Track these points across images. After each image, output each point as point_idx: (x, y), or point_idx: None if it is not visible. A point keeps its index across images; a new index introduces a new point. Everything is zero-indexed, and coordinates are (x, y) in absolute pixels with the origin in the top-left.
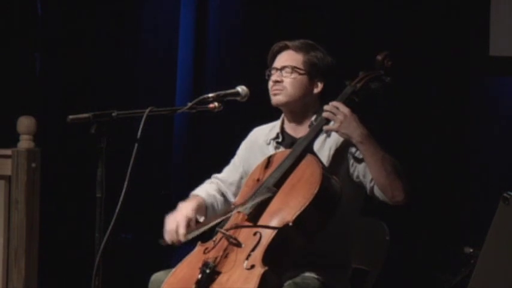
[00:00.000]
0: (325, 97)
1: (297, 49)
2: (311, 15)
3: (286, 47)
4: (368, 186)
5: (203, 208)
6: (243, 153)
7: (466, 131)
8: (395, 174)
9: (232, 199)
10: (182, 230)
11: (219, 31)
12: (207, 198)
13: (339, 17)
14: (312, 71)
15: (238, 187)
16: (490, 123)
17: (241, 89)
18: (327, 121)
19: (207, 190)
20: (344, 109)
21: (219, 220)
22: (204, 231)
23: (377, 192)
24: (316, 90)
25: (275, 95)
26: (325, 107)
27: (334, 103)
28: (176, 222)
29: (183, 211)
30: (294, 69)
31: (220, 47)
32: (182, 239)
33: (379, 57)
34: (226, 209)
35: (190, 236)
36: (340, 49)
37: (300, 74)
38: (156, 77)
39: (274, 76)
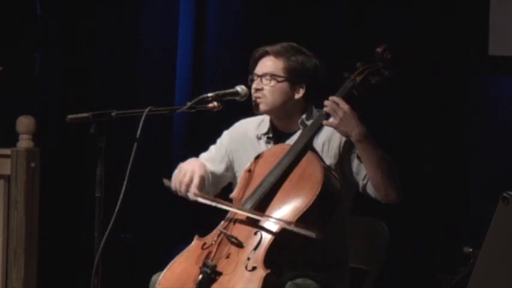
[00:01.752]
0: (312, 99)
1: (278, 55)
2: (310, 13)
3: (266, 53)
4: (361, 183)
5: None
6: (228, 143)
7: (466, 131)
8: (391, 174)
9: (210, 187)
10: (195, 189)
11: (219, 31)
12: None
13: (339, 17)
14: (292, 77)
15: (221, 177)
16: (490, 123)
17: (240, 88)
18: (327, 116)
19: None
20: (344, 106)
21: (228, 208)
22: (209, 204)
23: (370, 189)
24: (297, 96)
25: (256, 104)
26: (326, 103)
27: (335, 98)
28: (191, 177)
29: (200, 169)
30: (273, 76)
31: (220, 46)
32: (192, 197)
33: (378, 50)
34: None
35: (198, 199)
36: (339, 49)
37: (279, 81)
38: (156, 77)
39: (255, 84)
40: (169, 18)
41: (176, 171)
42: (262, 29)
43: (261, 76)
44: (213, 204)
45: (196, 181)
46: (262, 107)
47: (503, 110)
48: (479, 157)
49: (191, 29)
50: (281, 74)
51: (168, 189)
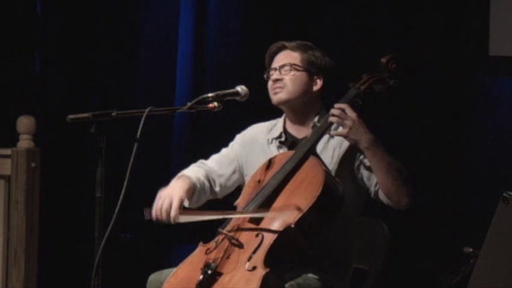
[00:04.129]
0: (327, 97)
1: (295, 48)
2: (312, 14)
3: (283, 47)
4: (372, 189)
5: (191, 192)
6: (239, 147)
7: (466, 131)
8: (401, 180)
9: (218, 189)
10: (174, 213)
11: (219, 31)
12: (196, 182)
13: (339, 17)
14: (310, 68)
15: (228, 180)
16: (490, 123)
17: (240, 88)
18: (331, 124)
19: (196, 174)
20: (352, 114)
21: (214, 217)
22: (193, 221)
23: (381, 196)
24: (315, 88)
25: (276, 93)
26: (332, 111)
27: (342, 106)
28: (170, 202)
29: (178, 192)
30: (292, 66)
31: (220, 46)
32: (172, 221)
33: (383, 60)
34: (225, 209)
35: (181, 221)
36: (340, 50)
37: (298, 70)
38: (156, 77)
39: (274, 75)
40: (169, 18)
41: (155, 200)
42: (262, 28)
43: (279, 68)
44: (197, 219)
45: (175, 204)
46: (282, 95)
47: (503, 110)
48: (479, 157)
49: (191, 28)
50: (300, 64)
51: (150, 220)
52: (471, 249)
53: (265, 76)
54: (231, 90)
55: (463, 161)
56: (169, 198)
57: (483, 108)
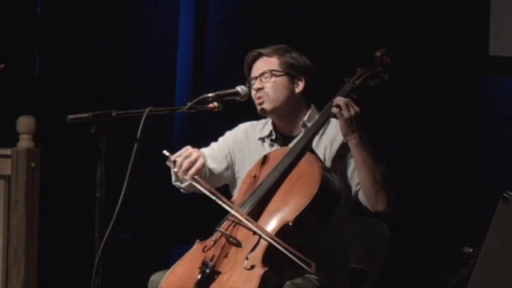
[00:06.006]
0: (311, 96)
1: (271, 54)
2: (311, 14)
3: (260, 55)
4: (354, 189)
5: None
6: (231, 145)
7: (466, 131)
8: (382, 183)
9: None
10: (194, 170)
11: (219, 30)
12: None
13: (339, 17)
14: (289, 71)
15: (219, 176)
16: (489, 123)
17: (240, 88)
18: (326, 120)
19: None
20: (355, 108)
21: (219, 201)
22: (203, 193)
23: (361, 196)
24: (297, 90)
25: (259, 104)
26: (337, 102)
27: (344, 100)
28: (195, 159)
29: (203, 158)
30: (272, 72)
31: (220, 46)
32: (188, 177)
33: (377, 54)
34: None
35: (193, 183)
36: (339, 49)
37: (278, 76)
38: (156, 77)
39: (256, 84)
40: (169, 18)
41: (181, 150)
42: (262, 28)
43: (259, 76)
44: (209, 193)
45: (199, 163)
46: (266, 106)
47: (503, 110)
48: (479, 157)
49: (191, 28)
50: (279, 69)
51: (167, 159)
52: (471, 249)
53: (246, 86)
54: (231, 90)
55: (463, 160)
56: (196, 155)
57: (483, 108)
